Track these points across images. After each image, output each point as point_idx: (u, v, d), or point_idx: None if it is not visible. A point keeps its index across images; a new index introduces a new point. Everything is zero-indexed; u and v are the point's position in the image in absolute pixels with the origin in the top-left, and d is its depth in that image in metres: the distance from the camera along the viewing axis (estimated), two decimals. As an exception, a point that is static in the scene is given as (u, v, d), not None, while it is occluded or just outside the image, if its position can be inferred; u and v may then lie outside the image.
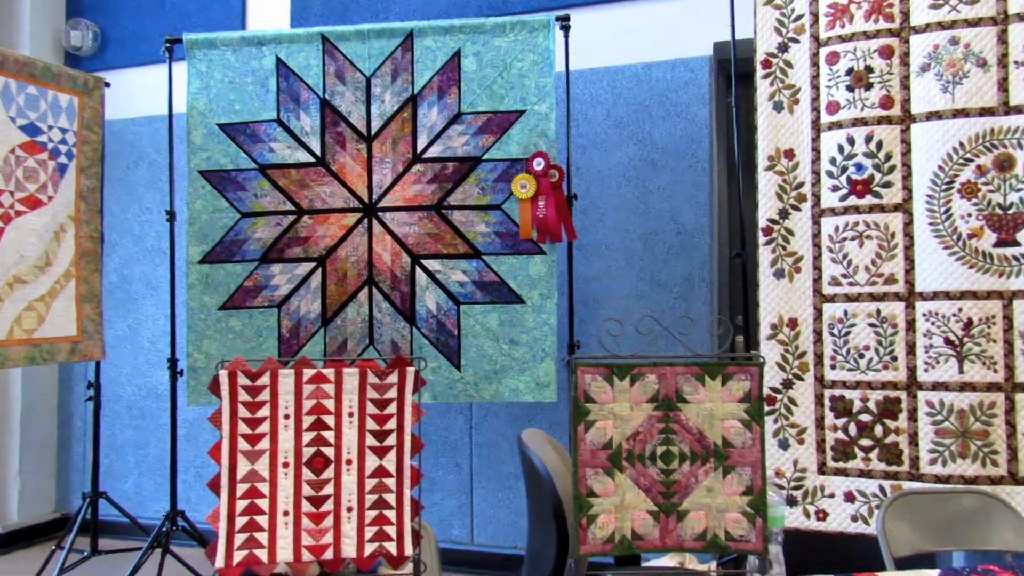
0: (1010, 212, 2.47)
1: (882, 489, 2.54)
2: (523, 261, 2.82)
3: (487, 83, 2.84)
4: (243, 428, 1.27)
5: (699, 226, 3.11)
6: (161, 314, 3.78)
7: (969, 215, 2.50)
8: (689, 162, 3.12)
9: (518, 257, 2.82)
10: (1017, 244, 2.46)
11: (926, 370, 2.52)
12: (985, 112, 2.49)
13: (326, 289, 2.90)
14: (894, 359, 2.56)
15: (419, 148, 2.88)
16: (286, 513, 1.28)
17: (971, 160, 2.50)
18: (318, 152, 2.92)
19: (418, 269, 2.87)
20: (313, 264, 2.91)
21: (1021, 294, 2.45)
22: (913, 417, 2.53)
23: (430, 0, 3.48)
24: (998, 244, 2.48)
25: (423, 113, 2.88)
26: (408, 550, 1.32)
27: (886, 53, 2.59)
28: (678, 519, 1.30)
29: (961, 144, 2.51)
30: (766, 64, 2.71)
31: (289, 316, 2.91)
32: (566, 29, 2.85)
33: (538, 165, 2.78)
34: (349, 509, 1.31)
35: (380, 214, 2.89)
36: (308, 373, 1.33)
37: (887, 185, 2.58)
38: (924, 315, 2.52)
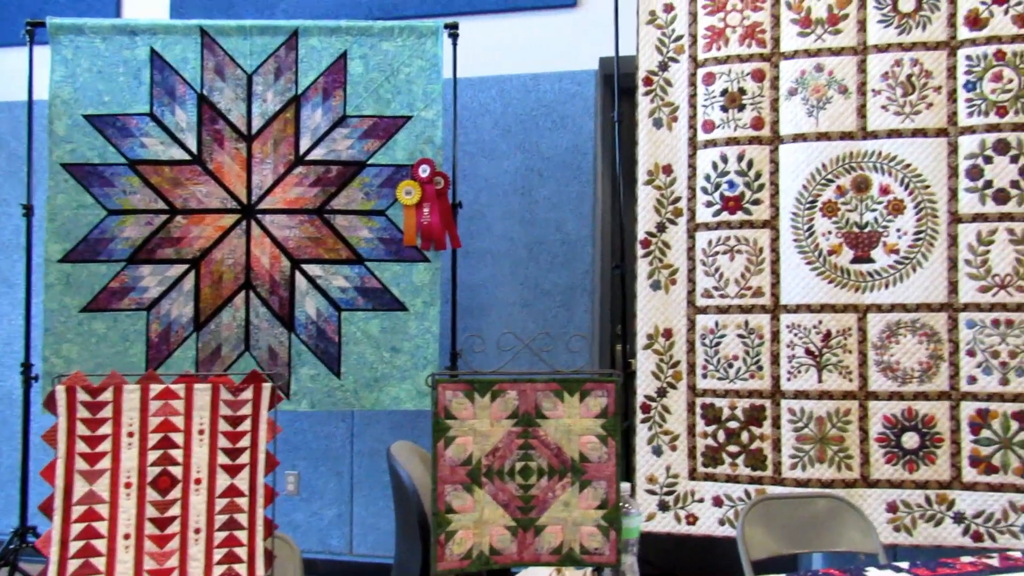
0: (866, 231, 2.63)
1: (747, 493, 2.65)
2: (406, 268, 2.80)
3: (374, 87, 2.81)
4: (81, 447, 1.19)
5: (583, 237, 3.17)
6: (17, 314, 3.54)
7: (829, 232, 2.65)
8: (574, 173, 3.18)
9: (401, 264, 2.80)
10: (872, 261, 2.63)
11: (788, 379, 2.65)
12: (845, 136, 2.65)
13: (200, 292, 2.79)
14: (760, 368, 2.68)
15: (302, 150, 2.81)
16: (127, 536, 1.21)
17: (832, 181, 2.65)
18: (194, 149, 2.80)
19: (298, 274, 2.80)
20: (186, 266, 2.79)
21: (874, 308, 2.62)
22: (776, 424, 2.66)
23: (318, -1, 3.41)
24: (855, 260, 2.64)
25: (307, 114, 2.81)
26: (260, 572, 1.28)
27: (758, 76, 2.71)
28: (535, 533, 1.32)
29: (824, 165, 2.65)
30: (647, 81, 2.79)
31: (159, 320, 2.78)
32: (454, 37, 2.85)
33: (423, 172, 2.77)
34: (197, 531, 1.26)
35: (259, 216, 2.80)
36: (156, 389, 1.26)
37: (756, 202, 2.70)
38: (788, 327, 2.66)
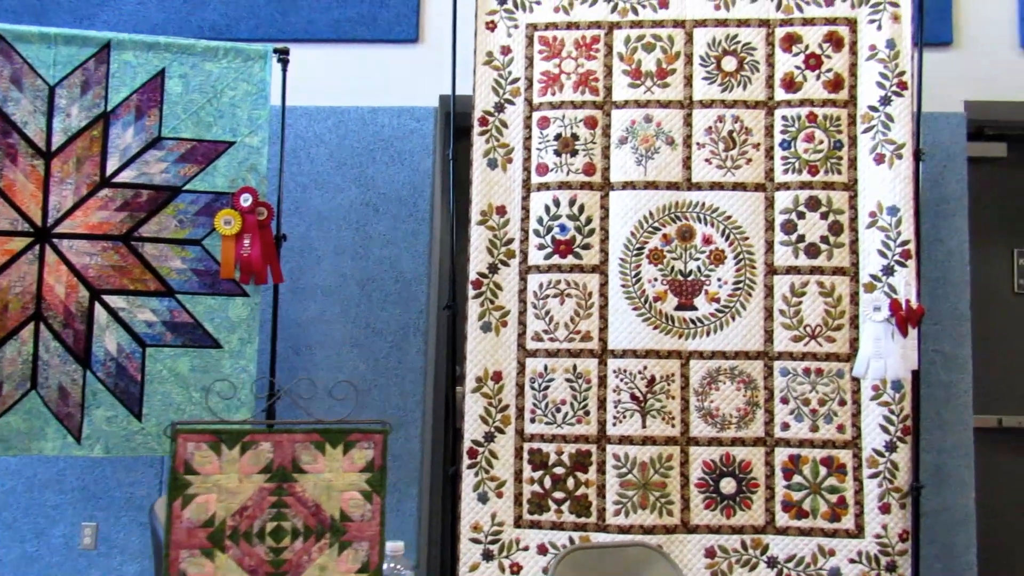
0: (689, 279, 2.69)
1: (572, 540, 2.61)
2: (222, 302, 2.61)
3: (194, 108, 2.63)
4: None
5: (417, 275, 3.09)
6: None
7: (655, 279, 2.69)
8: (411, 210, 3.11)
9: (217, 298, 2.61)
10: (695, 308, 2.68)
11: (614, 424, 2.65)
12: (671, 186, 2.71)
13: (-20, 323, 2.49)
14: (587, 413, 2.67)
15: (108, 171, 2.59)
16: None
17: (658, 229, 2.70)
18: (-18, 164, 2.53)
19: (98, 305, 2.55)
20: (-35, 293, 2.49)
21: (696, 354, 2.67)
22: (602, 470, 2.64)
23: (144, 14, 3.19)
24: (679, 308, 2.69)
25: (116, 133, 2.60)
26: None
27: (591, 123, 2.74)
28: (286, 602, 1.20)
29: (651, 213, 2.71)
30: (483, 122, 2.77)
31: (-73, 353, 2.45)
32: (284, 62, 2.73)
33: (245, 201, 2.61)
34: None
35: (55, 241, 2.55)
36: None
37: (587, 247, 2.71)
38: (614, 372, 2.66)
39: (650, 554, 2.06)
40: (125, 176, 2.59)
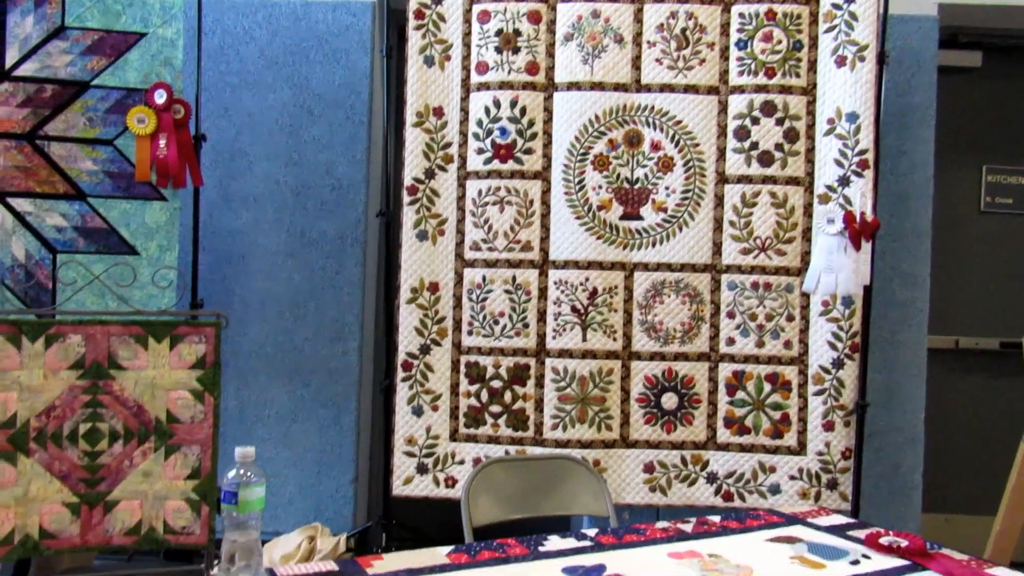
0: (636, 187, 2.56)
1: (508, 454, 2.54)
2: (139, 207, 2.46)
3: (100, -6, 2.42)
4: None
5: (355, 182, 2.93)
6: None
7: (600, 187, 2.55)
8: (347, 113, 2.92)
9: (133, 202, 2.45)
10: (640, 218, 2.56)
11: (554, 337, 2.55)
12: (619, 87, 2.55)
13: None
14: (526, 326, 2.56)
15: (8, 63, 2.39)
16: None
17: (604, 134, 2.55)
18: None
19: (2, 209, 2.39)
20: None
21: (641, 266, 2.56)
22: (540, 383, 2.56)
23: None
24: (624, 217, 2.56)
25: (14, 21, 2.38)
26: None
27: (534, 18, 2.55)
28: (104, 511, 1.09)
29: (597, 117, 2.55)
30: (419, 15, 2.58)
31: None
32: (201, -55, 2.50)
33: (159, 97, 2.42)
34: None
35: (-46, 138, 2.37)
36: None
37: (529, 152, 2.56)
38: (555, 283, 2.55)
39: (573, 467, 1.99)
40: (26, 69, 2.39)
